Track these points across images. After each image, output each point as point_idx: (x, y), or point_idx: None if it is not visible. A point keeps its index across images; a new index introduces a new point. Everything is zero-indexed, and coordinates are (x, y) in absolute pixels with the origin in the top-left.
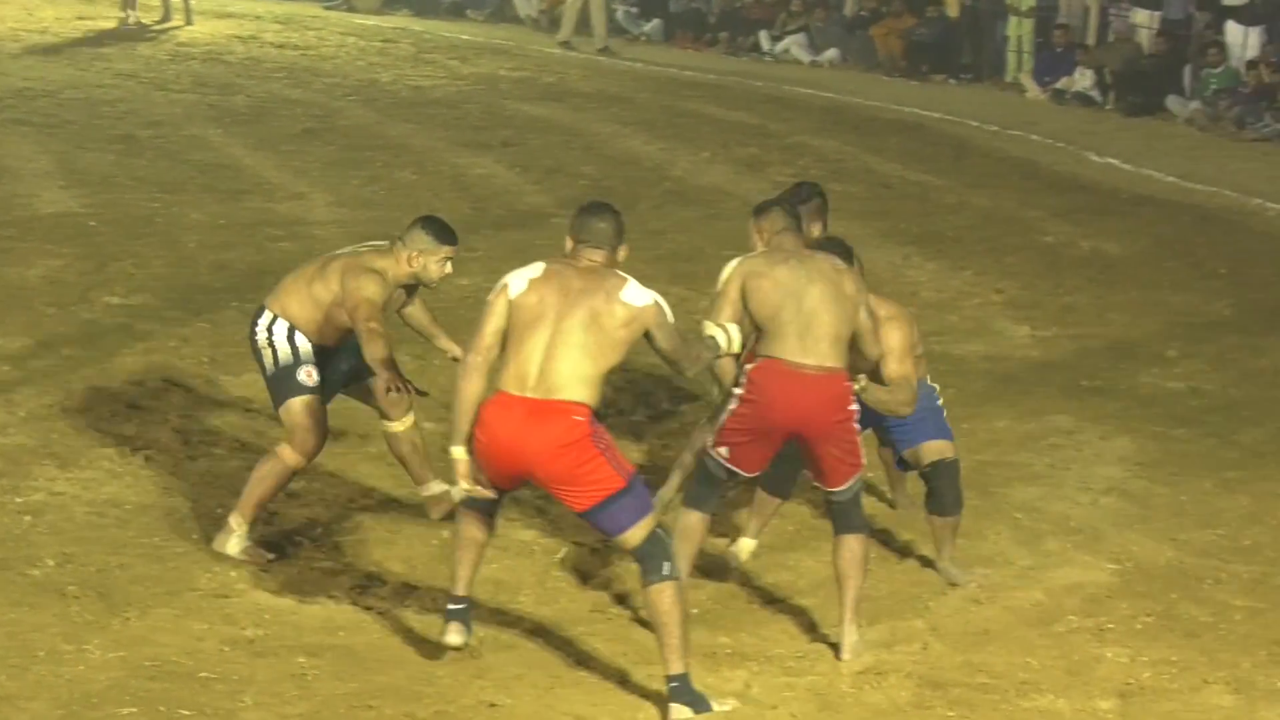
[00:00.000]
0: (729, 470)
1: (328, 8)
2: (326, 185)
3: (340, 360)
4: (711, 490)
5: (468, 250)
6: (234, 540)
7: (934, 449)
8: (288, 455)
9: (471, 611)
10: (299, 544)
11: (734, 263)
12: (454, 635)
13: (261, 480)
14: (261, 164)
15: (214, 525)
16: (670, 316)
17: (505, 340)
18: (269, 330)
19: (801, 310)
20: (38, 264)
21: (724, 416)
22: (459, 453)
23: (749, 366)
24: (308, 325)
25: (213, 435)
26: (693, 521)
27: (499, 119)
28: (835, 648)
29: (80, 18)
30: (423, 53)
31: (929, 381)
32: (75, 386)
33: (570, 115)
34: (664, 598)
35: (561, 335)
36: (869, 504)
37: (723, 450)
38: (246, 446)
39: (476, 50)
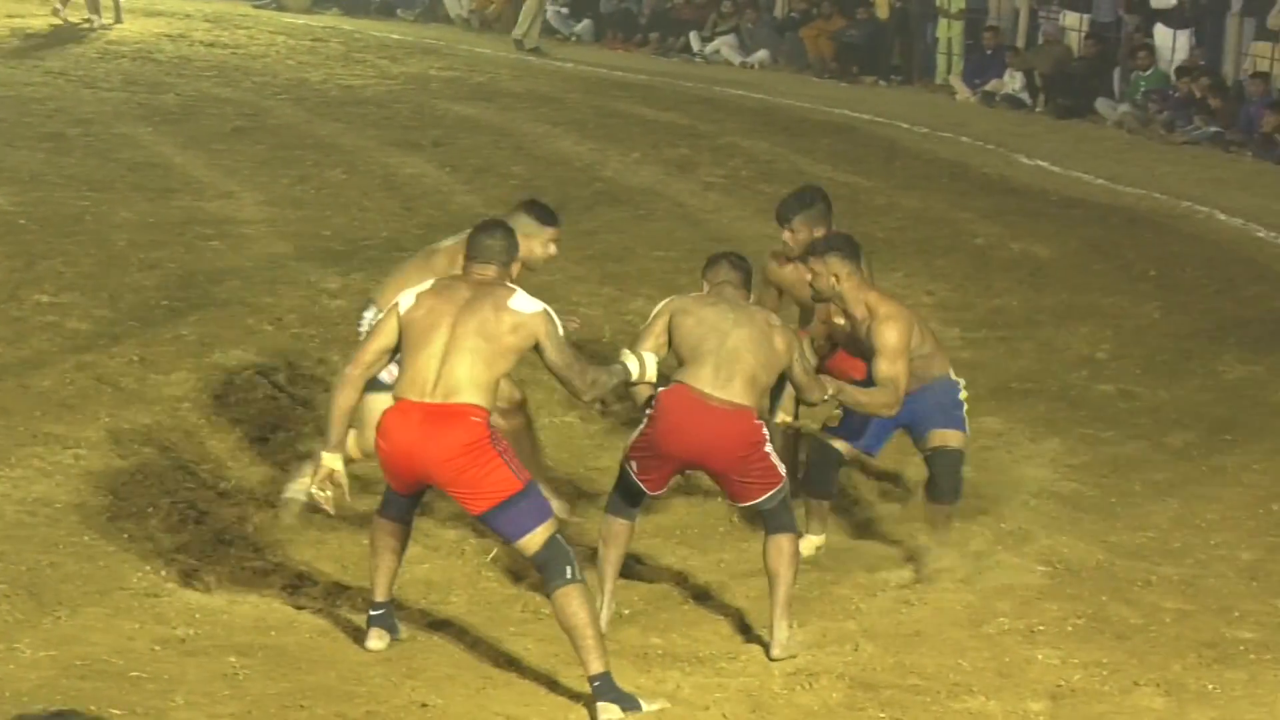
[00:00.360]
0: (638, 483)
1: (257, 6)
2: (256, 184)
3: None
4: (631, 500)
5: (397, 250)
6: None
7: (938, 435)
8: (350, 447)
9: (393, 615)
10: (230, 543)
11: (667, 299)
12: (375, 640)
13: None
14: (191, 162)
15: (145, 524)
16: (560, 330)
17: (401, 352)
18: (371, 324)
19: (724, 346)
20: None
21: (636, 433)
22: (331, 459)
23: (661, 389)
24: None
25: (143, 434)
26: (617, 528)
27: (429, 118)
28: (766, 647)
29: (9, 15)
30: (352, 52)
31: (953, 376)
32: (5, 385)
33: (500, 115)
34: (570, 601)
35: (456, 342)
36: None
37: (633, 464)
38: (176, 446)
39: (406, 50)
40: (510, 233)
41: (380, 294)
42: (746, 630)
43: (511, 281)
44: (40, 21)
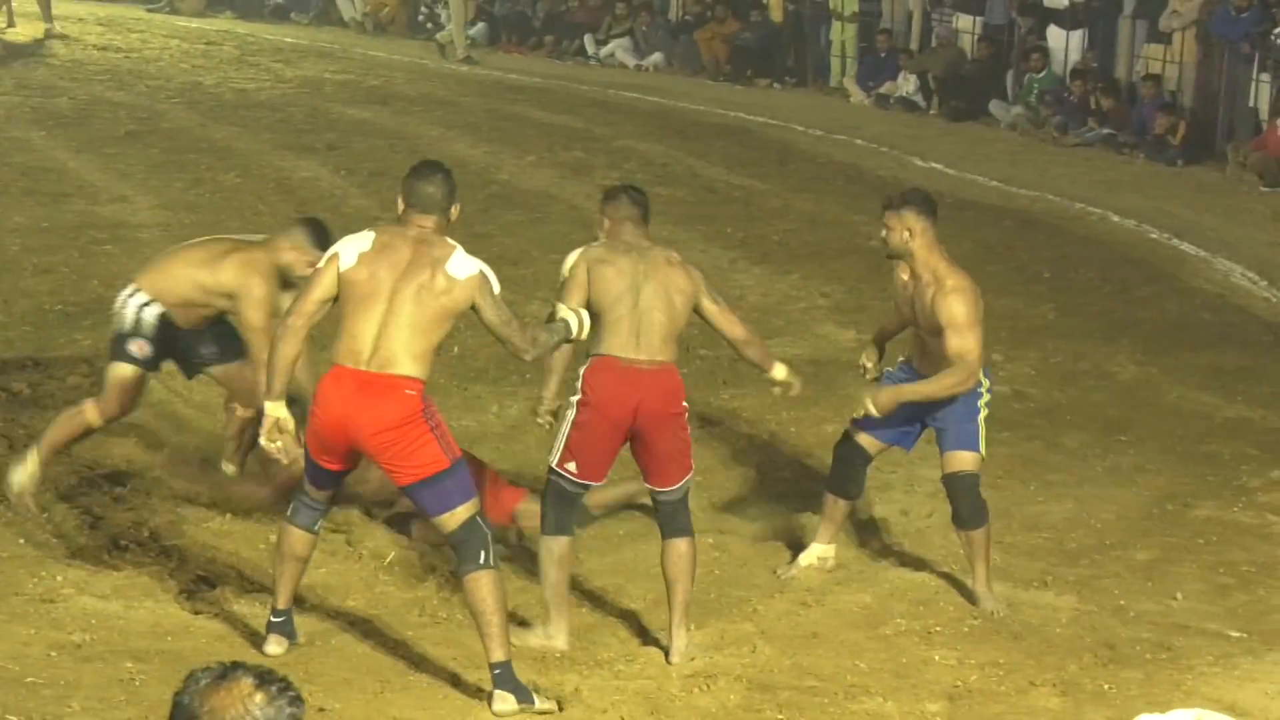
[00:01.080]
0: (580, 485)
1: (150, 10)
2: (150, 188)
3: (202, 343)
4: (569, 511)
5: None
6: (23, 471)
7: (950, 459)
8: (89, 411)
9: (292, 622)
10: (126, 548)
11: (578, 251)
12: (274, 646)
13: (60, 425)
14: (84, 167)
15: (39, 530)
16: (496, 289)
17: (339, 312)
18: (125, 300)
19: (636, 307)
20: None
21: (566, 429)
22: (275, 408)
23: (583, 369)
24: (176, 306)
25: (38, 439)
26: (562, 547)
27: (323, 122)
28: (665, 651)
29: None
30: (246, 55)
31: (980, 375)
32: None
33: (395, 118)
34: (482, 585)
35: (394, 312)
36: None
37: (571, 466)
38: (72, 451)
39: (300, 53)
40: (449, 176)
41: (143, 278)
42: (644, 633)
43: (446, 229)
44: None
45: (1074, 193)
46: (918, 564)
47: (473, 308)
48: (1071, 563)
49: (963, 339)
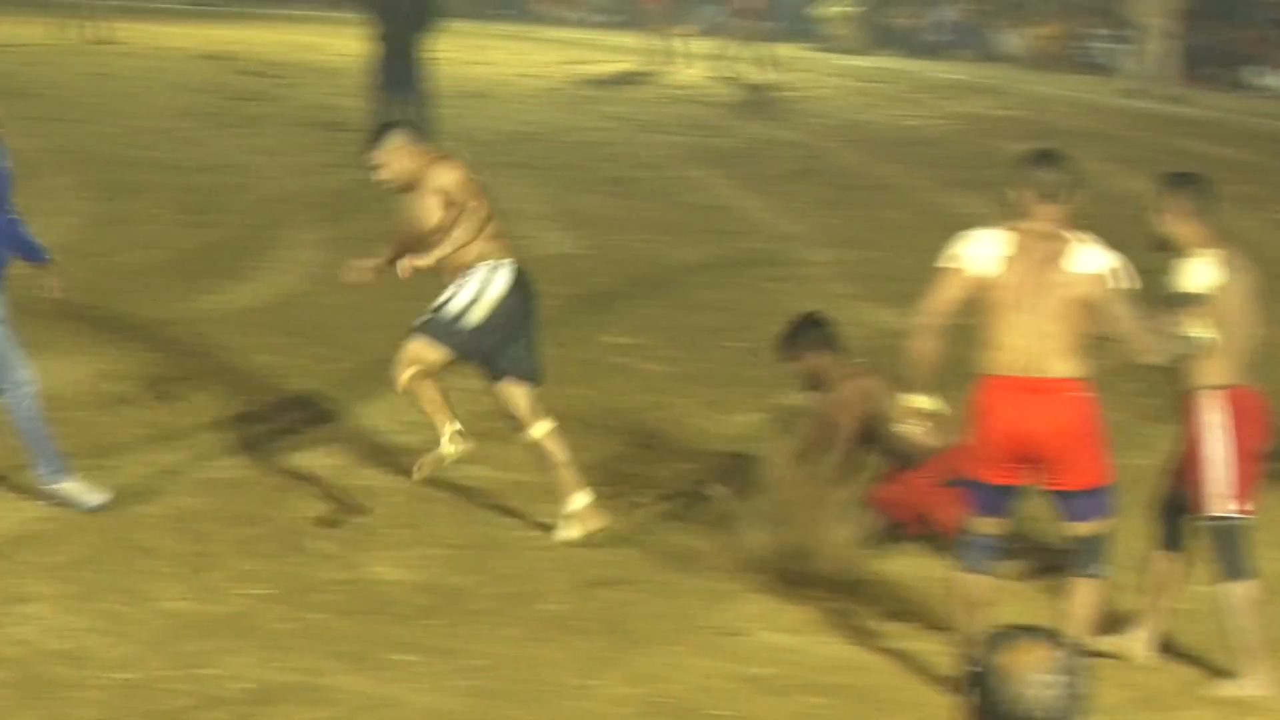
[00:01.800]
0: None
1: (812, 49)
2: (816, 225)
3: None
4: (1249, 546)
5: None
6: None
7: None
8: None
9: None
10: (809, 584)
11: (1216, 266)
12: None
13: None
14: (752, 204)
15: (720, 563)
16: (1122, 285)
17: (985, 319)
18: None
19: (1245, 334)
20: None
21: (1225, 474)
22: (920, 400)
23: (1216, 396)
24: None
25: (704, 474)
26: (1256, 590)
27: (984, 158)
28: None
29: (569, 62)
30: (906, 92)
31: None
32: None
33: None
34: (1086, 591)
35: (1036, 313)
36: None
37: (1249, 505)
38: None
39: (962, 89)
40: (1067, 162)
41: None
42: None
43: (1070, 218)
44: (598, 68)
45: None
46: None
47: (1095, 305)
48: None
49: None
